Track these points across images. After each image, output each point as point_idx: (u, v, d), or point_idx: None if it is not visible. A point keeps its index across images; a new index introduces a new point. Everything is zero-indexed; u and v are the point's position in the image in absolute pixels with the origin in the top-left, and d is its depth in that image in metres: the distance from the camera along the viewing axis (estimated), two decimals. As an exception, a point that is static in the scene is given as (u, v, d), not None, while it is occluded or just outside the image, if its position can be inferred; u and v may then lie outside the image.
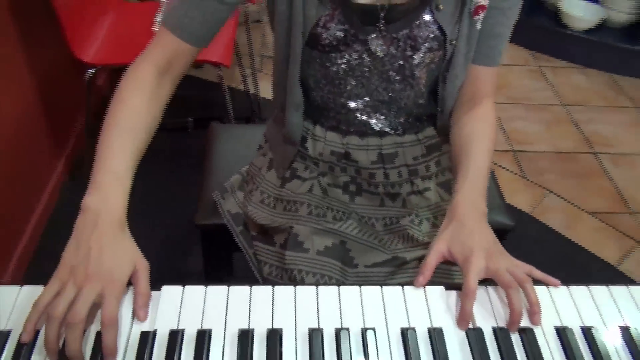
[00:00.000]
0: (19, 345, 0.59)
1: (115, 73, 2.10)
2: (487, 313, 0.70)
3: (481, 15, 0.82)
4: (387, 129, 0.94)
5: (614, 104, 2.57)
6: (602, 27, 2.78)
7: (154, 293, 0.66)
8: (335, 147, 0.95)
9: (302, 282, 0.89)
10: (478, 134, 0.87)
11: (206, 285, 0.66)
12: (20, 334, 0.60)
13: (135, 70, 0.79)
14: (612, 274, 1.78)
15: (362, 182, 0.97)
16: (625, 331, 0.68)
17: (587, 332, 0.67)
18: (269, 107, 2.30)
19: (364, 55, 0.84)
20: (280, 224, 0.95)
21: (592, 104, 2.56)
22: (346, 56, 0.84)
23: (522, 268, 0.72)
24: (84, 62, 1.57)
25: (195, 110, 2.22)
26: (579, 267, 1.81)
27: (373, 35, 0.82)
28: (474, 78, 0.89)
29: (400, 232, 0.95)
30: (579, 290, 0.72)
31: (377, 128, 0.93)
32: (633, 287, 0.73)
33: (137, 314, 0.64)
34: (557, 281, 0.73)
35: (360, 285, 0.70)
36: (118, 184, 0.69)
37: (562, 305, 0.71)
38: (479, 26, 0.83)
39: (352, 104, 0.91)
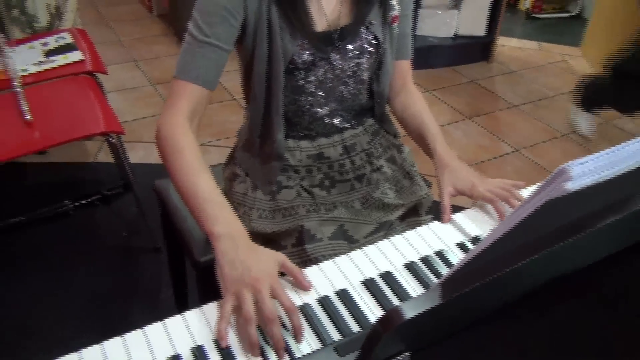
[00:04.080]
0: (222, 350, 0.68)
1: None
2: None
3: (397, 23, 1.11)
4: (346, 125, 1.17)
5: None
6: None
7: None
8: (310, 151, 1.15)
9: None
10: (424, 110, 1.19)
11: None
12: (216, 342, 0.70)
13: (172, 125, 0.93)
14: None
15: (334, 175, 1.18)
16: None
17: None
18: (145, 171, 2.32)
19: (328, 69, 1.07)
20: (288, 227, 1.11)
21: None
22: (315, 74, 1.06)
23: (502, 183, 1.02)
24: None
25: (58, 196, 2.13)
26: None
27: (332, 53, 1.05)
28: (400, 71, 1.20)
29: (376, 203, 1.18)
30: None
31: (340, 126, 1.16)
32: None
33: (304, 286, 0.80)
34: (522, 183, 1.04)
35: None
36: (228, 210, 0.85)
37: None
38: (396, 30, 1.12)
39: (321, 111, 1.12)
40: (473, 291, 0.45)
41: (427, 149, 1.14)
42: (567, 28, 4.20)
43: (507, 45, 3.82)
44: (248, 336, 0.70)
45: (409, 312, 0.43)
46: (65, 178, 2.30)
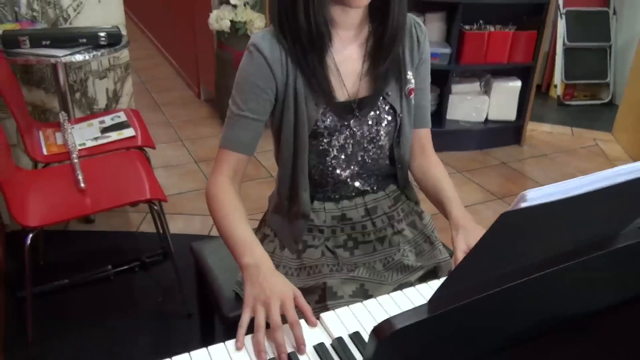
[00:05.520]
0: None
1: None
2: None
3: (413, 95, 1.22)
4: (367, 188, 1.26)
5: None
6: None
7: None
8: (334, 212, 1.24)
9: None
10: (442, 175, 1.27)
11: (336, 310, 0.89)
12: (236, 344, 0.85)
13: (217, 185, 1.12)
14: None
15: (356, 236, 1.25)
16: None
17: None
18: (183, 241, 2.43)
19: (348, 135, 1.18)
20: (312, 284, 1.18)
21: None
22: (337, 139, 1.18)
23: None
24: (28, 227, 1.63)
25: (102, 261, 2.25)
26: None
27: (352, 121, 1.17)
28: (419, 138, 1.30)
29: (397, 265, 1.25)
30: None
31: (361, 189, 1.25)
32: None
33: (311, 322, 0.90)
34: None
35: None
36: (257, 246, 1.01)
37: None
38: (413, 102, 1.23)
39: (344, 174, 1.22)
40: (455, 310, 0.51)
41: (443, 211, 1.21)
42: (599, 114, 4.29)
43: (538, 129, 3.92)
44: (256, 342, 0.85)
45: (399, 323, 0.50)
46: (109, 245, 2.44)
